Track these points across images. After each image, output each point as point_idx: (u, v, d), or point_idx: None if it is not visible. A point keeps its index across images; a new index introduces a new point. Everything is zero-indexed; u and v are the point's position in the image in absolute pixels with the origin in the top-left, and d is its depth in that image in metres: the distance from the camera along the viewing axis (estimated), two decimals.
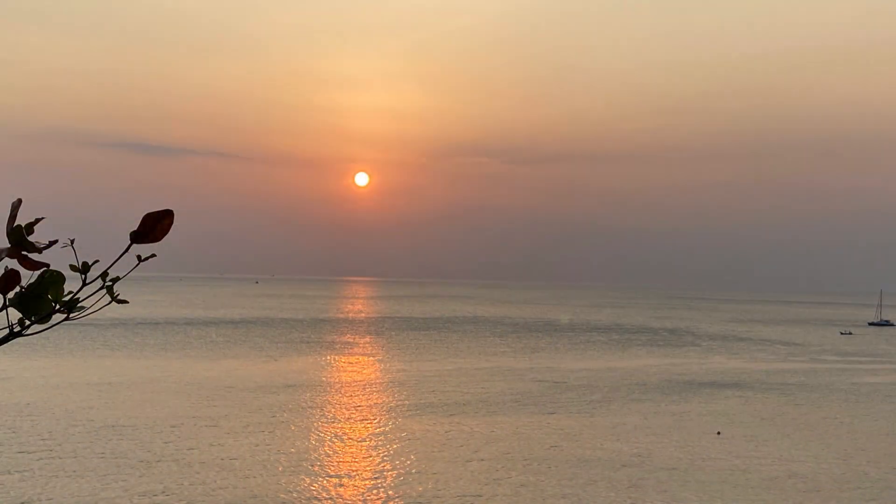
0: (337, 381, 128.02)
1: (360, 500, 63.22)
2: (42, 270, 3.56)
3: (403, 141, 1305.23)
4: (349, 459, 75.85)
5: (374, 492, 65.11)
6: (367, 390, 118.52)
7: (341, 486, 66.78)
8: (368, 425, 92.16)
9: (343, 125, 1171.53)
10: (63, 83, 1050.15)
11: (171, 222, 3.61)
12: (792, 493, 67.73)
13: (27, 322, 3.56)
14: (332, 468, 72.19)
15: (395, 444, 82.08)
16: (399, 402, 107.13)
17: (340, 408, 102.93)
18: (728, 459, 78.26)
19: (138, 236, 3.57)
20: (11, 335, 3.56)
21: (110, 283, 3.62)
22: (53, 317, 3.58)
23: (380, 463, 74.36)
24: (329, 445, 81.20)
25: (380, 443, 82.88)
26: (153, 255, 3.67)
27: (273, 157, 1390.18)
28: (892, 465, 78.65)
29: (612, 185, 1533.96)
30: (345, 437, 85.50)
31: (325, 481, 67.69)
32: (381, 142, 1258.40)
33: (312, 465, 72.53)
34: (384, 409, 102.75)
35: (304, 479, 67.71)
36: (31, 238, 3.53)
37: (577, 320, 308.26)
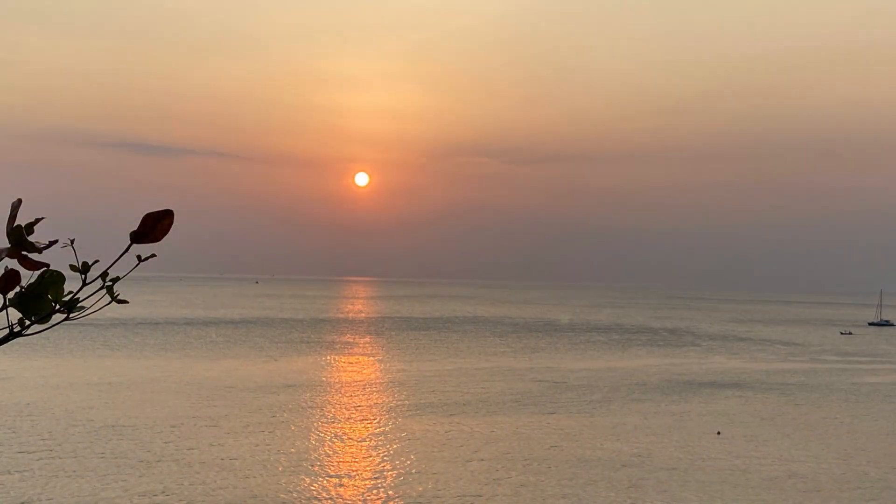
0: (337, 381, 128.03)
1: (360, 500, 63.25)
2: (42, 270, 3.56)
3: (403, 141, 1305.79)
4: (349, 459, 75.88)
5: (374, 492, 65.13)
6: (367, 390, 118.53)
7: (341, 486, 66.81)
8: (368, 425, 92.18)
9: (343, 125, 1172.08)
10: (63, 83, 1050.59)
11: (171, 222, 3.61)
12: (792, 493, 67.76)
13: (27, 322, 3.56)
14: (332, 468, 72.22)
15: (395, 444, 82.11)
16: (399, 402, 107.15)
17: (340, 408, 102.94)
18: (728, 459, 78.30)
19: (138, 236, 3.57)
20: (11, 335, 3.57)
21: (110, 283, 3.62)
22: (53, 317, 3.58)
23: (380, 463, 74.40)
24: (329, 445, 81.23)
25: (380, 443, 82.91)
26: (153, 255, 3.67)
27: (273, 157, 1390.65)
28: (892, 465, 78.67)
29: (612, 185, 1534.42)
30: (345, 437, 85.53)
31: (325, 481, 67.72)
32: (381, 142, 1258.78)
33: (312, 465, 72.57)
34: (384, 409, 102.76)
35: (304, 479, 67.75)
36: (31, 238, 3.53)
37: (577, 320, 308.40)
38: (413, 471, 71.30)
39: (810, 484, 70.53)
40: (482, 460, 75.64)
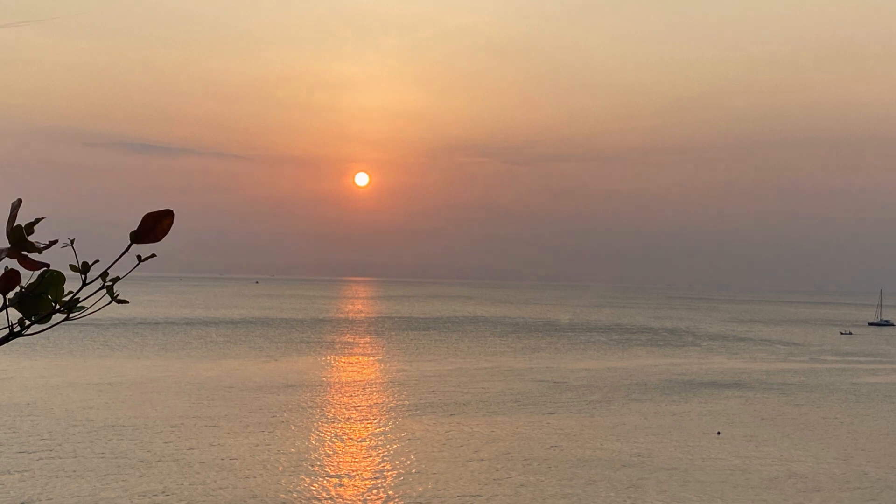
0: (337, 381, 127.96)
1: (359, 500, 63.26)
2: (42, 270, 3.56)
3: (403, 141, 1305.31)
4: (349, 459, 75.88)
5: (374, 492, 65.14)
6: (367, 390, 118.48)
7: (341, 486, 66.82)
8: (368, 425, 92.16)
9: (343, 125, 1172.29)
10: (63, 83, 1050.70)
11: (171, 222, 3.61)
12: (792, 493, 67.73)
13: (27, 322, 3.56)
14: (332, 468, 72.22)
15: (395, 444, 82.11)
16: (399, 402, 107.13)
17: (340, 408, 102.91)
18: (728, 459, 78.29)
19: (138, 236, 3.57)
20: (11, 335, 3.57)
21: (110, 283, 3.62)
22: (53, 317, 3.58)
23: (380, 463, 74.40)
24: (329, 445, 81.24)
25: (380, 443, 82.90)
26: (153, 255, 3.67)
27: (273, 157, 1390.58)
28: (892, 464, 78.66)
29: (613, 185, 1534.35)
30: (345, 437, 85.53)
31: (325, 481, 67.73)
32: (381, 142, 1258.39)
33: (312, 466, 72.57)
34: (384, 409, 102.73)
35: (304, 479, 67.76)
36: (31, 238, 3.53)
37: (577, 320, 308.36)
38: (413, 471, 71.30)
39: (810, 484, 70.52)
40: (482, 460, 75.65)
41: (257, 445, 79.40)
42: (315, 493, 64.35)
